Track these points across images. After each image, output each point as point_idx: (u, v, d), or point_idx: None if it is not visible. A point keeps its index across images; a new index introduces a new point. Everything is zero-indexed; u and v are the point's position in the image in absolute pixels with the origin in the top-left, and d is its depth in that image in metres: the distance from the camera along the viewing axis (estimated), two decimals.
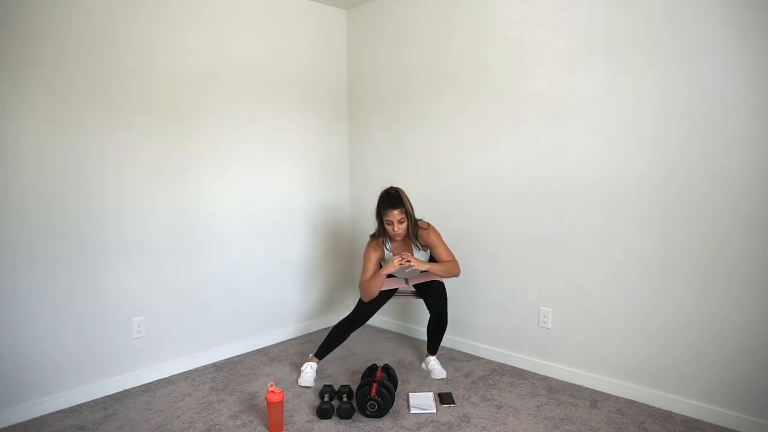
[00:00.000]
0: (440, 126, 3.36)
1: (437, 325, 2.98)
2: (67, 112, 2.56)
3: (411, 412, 2.56)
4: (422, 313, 3.58)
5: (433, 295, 2.93)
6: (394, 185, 2.90)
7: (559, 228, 2.86)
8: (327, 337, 2.98)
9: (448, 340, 3.43)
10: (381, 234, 2.88)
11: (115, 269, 2.78)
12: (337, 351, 3.32)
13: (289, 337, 3.65)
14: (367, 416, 2.49)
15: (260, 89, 3.37)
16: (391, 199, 2.77)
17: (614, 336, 2.71)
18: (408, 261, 2.73)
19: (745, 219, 2.27)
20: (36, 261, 2.51)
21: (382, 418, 2.49)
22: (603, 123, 2.65)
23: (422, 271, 2.88)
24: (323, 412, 2.49)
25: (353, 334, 3.67)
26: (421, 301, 3.30)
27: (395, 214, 2.73)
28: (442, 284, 2.96)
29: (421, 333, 3.59)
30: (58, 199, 2.56)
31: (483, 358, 3.24)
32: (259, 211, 3.43)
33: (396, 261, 2.73)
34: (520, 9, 2.90)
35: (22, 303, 2.49)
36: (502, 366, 3.12)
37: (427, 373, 3.03)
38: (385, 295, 2.96)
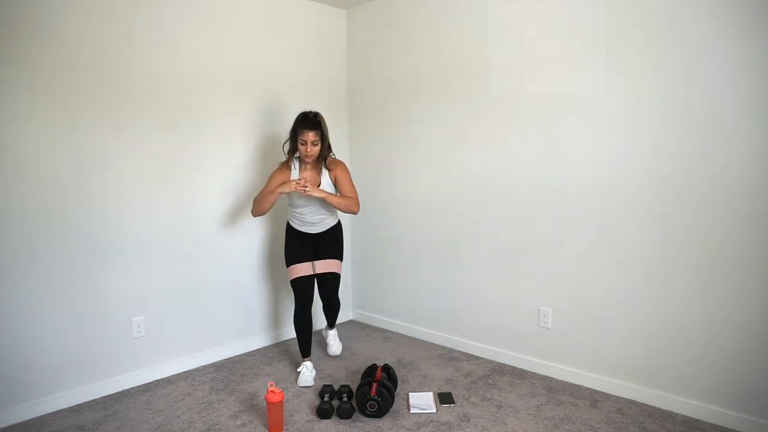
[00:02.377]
0: (440, 126, 3.36)
1: (329, 308, 3.18)
2: (67, 112, 2.56)
3: (411, 412, 2.56)
4: (422, 312, 3.59)
5: (324, 285, 3.00)
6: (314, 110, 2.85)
7: (559, 228, 2.86)
8: (296, 334, 2.99)
9: (447, 339, 3.43)
10: (292, 153, 2.85)
11: (115, 269, 2.78)
12: None
13: (289, 337, 3.65)
14: (367, 416, 2.49)
15: (260, 89, 3.36)
16: (310, 119, 2.74)
17: (614, 336, 2.71)
18: (304, 186, 2.67)
19: (745, 219, 2.27)
20: (36, 261, 2.51)
21: (382, 418, 2.49)
22: (603, 123, 2.64)
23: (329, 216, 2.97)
24: (323, 412, 2.49)
25: (353, 334, 3.67)
26: (427, 298, 3.32)
27: (310, 135, 2.71)
28: (335, 276, 3.00)
29: (422, 333, 3.59)
30: (59, 199, 2.56)
31: (483, 358, 3.24)
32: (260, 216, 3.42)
33: (293, 184, 2.69)
34: (520, 9, 2.90)
35: (22, 303, 2.49)
36: (502, 366, 3.12)
37: (326, 346, 3.24)
38: (309, 279, 2.95)
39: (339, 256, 3.04)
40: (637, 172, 2.55)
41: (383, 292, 3.85)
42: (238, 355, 3.34)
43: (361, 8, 3.76)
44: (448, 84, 3.28)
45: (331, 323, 3.27)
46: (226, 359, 3.28)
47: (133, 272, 2.85)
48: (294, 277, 2.92)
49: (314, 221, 2.93)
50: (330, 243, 3.01)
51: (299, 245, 2.96)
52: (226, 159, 3.22)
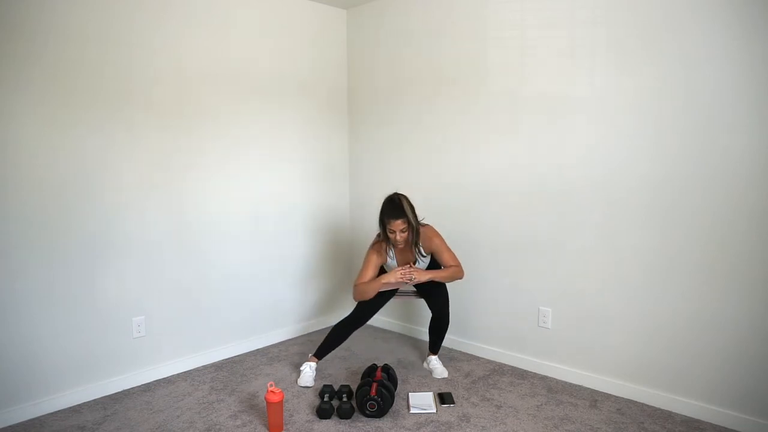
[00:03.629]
0: (440, 126, 3.36)
1: (438, 325, 2.99)
2: (67, 112, 2.56)
3: (411, 412, 2.56)
4: (422, 313, 3.58)
5: (435, 296, 2.93)
6: (399, 192, 2.88)
7: (559, 228, 2.86)
8: (327, 337, 2.97)
9: (447, 339, 3.43)
10: (385, 239, 2.86)
11: (115, 269, 2.78)
12: (337, 351, 3.32)
13: (289, 337, 3.65)
14: (367, 416, 2.49)
15: (260, 89, 3.37)
16: (394, 208, 2.75)
17: (614, 336, 2.71)
18: (411, 274, 2.73)
19: (745, 219, 2.27)
20: (36, 261, 2.51)
21: (382, 418, 2.49)
22: (603, 123, 2.65)
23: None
24: (323, 412, 2.49)
25: (353, 334, 3.67)
26: (423, 301, 3.30)
27: (397, 224, 2.72)
28: (443, 285, 2.95)
29: (421, 333, 3.59)
30: (59, 199, 2.56)
31: (483, 358, 3.24)
32: (259, 211, 3.43)
33: (398, 273, 2.75)
34: (519, 9, 2.90)
35: (22, 303, 2.49)
36: (502, 366, 3.12)
37: (429, 372, 3.04)
38: (387, 295, 2.96)
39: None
40: (637, 172, 2.55)
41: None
42: (238, 355, 3.34)
43: (361, 8, 3.76)
44: (448, 84, 3.28)
45: (437, 347, 3.06)
46: (226, 359, 3.28)
47: (133, 272, 2.85)
48: (382, 289, 2.85)
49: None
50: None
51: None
52: (226, 159, 3.22)
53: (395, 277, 2.75)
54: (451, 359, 3.22)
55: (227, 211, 3.26)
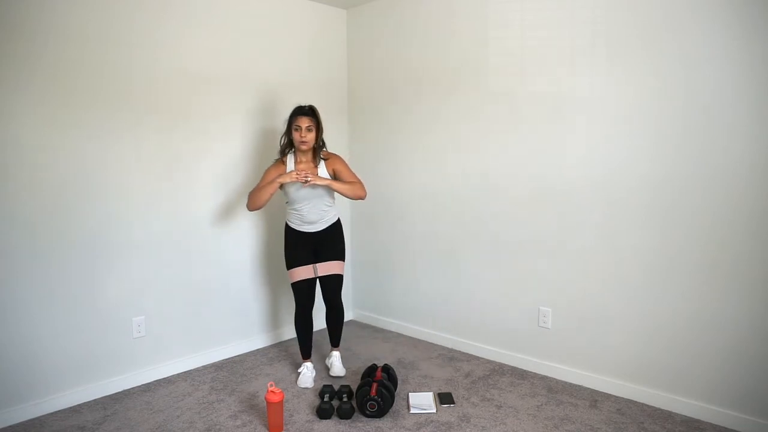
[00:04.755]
0: (440, 126, 3.36)
1: (331, 316, 2.99)
2: (68, 112, 2.56)
3: (411, 412, 2.56)
4: (422, 312, 3.58)
5: (327, 289, 2.93)
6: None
7: (559, 228, 2.86)
8: (297, 336, 2.97)
9: (448, 340, 3.43)
10: (287, 149, 2.84)
11: (115, 269, 2.78)
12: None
13: (289, 337, 3.65)
14: (367, 416, 2.49)
15: (260, 89, 3.37)
16: (303, 108, 2.78)
17: (614, 336, 2.71)
18: (307, 175, 2.66)
19: (745, 219, 2.27)
20: (36, 261, 2.51)
21: (382, 418, 2.49)
22: (603, 123, 2.64)
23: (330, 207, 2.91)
24: (323, 412, 2.49)
25: (352, 334, 3.67)
26: (422, 300, 3.31)
27: (304, 120, 2.73)
28: (338, 277, 2.93)
29: (421, 333, 3.59)
30: (59, 199, 2.56)
31: (483, 358, 3.24)
32: (259, 210, 3.42)
33: (294, 173, 2.69)
34: (520, 9, 2.90)
35: (22, 303, 2.49)
36: (502, 366, 3.12)
37: (328, 368, 3.03)
38: (309, 282, 2.91)
39: (341, 256, 2.95)
40: (637, 172, 2.55)
41: (383, 293, 3.84)
42: (238, 355, 3.34)
43: (361, 8, 3.76)
44: (448, 84, 3.28)
45: (335, 341, 3.06)
46: (226, 359, 3.28)
47: (134, 272, 2.85)
48: (295, 281, 2.89)
49: (313, 219, 2.86)
50: (331, 242, 2.93)
51: (300, 247, 2.90)
52: (226, 159, 3.22)
53: (291, 176, 2.68)
54: (451, 359, 3.22)
55: (227, 211, 3.26)
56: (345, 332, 3.71)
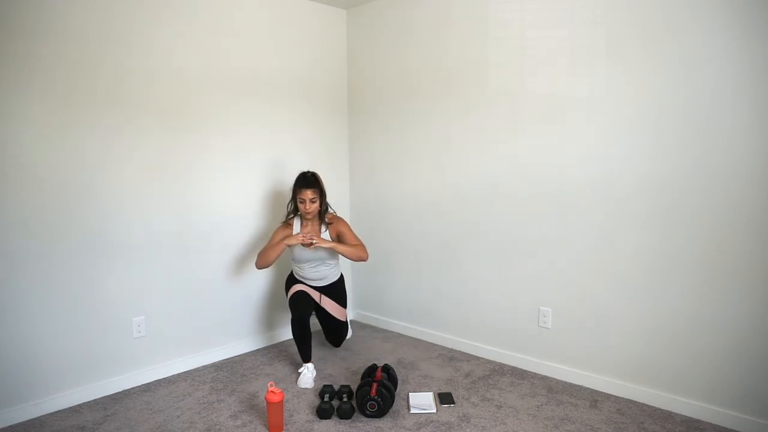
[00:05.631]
0: (440, 126, 3.36)
1: (333, 339, 3.32)
2: (67, 112, 2.56)
3: (411, 412, 2.56)
4: (422, 313, 3.58)
5: (333, 331, 3.24)
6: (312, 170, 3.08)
7: (560, 228, 2.86)
8: (296, 343, 2.96)
9: (448, 340, 3.43)
10: (293, 214, 3.08)
11: (115, 269, 2.78)
12: (337, 351, 3.33)
13: (290, 337, 3.65)
14: (367, 416, 2.49)
15: (260, 89, 3.37)
16: (306, 179, 2.97)
17: (614, 336, 2.71)
18: (311, 238, 2.87)
19: (746, 219, 2.27)
20: (36, 261, 2.51)
21: (382, 418, 2.49)
22: (603, 123, 2.64)
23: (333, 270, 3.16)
24: (323, 412, 2.49)
25: (353, 335, 3.67)
26: (422, 300, 3.32)
27: (308, 193, 2.94)
28: (342, 324, 3.19)
29: (422, 333, 3.59)
30: (58, 199, 2.56)
31: (483, 358, 3.24)
32: (259, 211, 3.43)
33: (300, 236, 2.91)
34: (519, 9, 2.90)
35: (22, 303, 2.49)
36: (502, 366, 3.12)
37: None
38: (306, 295, 3.04)
39: (343, 305, 3.21)
40: (637, 172, 2.55)
41: (383, 293, 3.84)
42: (238, 355, 3.34)
43: (361, 8, 3.76)
44: (448, 84, 3.28)
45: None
46: (226, 359, 3.28)
47: (133, 272, 2.85)
48: (294, 292, 3.02)
49: (316, 277, 3.11)
50: (333, 295, 3.16)
51: (302, 284, 3.12)
52: (226, 159, 3.22)
53: (297, 239, 2.89)
54: (451, 359, 3.22)
55: (227, 211, 3.26)
56: None
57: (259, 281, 3.47)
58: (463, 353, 3.33)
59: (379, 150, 3.76)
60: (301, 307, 2.96)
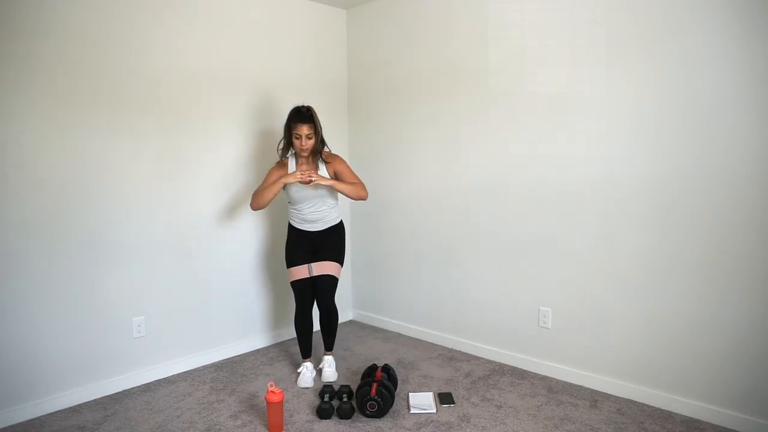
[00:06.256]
0: (440, 126, 3.36)
1: (328, 318, 2.93)
2: (68, 112, 2.56)
3: (411, 412, 2.56)
4: (422, 312, 3.58)
5: (323, 289, 2.89)
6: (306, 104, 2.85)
7: (560, 228, 2.86)
8: (297, 336, 2.97)
9: (448, 340, 3.43)
10: (286, 150, 2.85)
11: (115, 269, 2.78)
12: (337, 351, 3.33)
13: (289, 337, 3.65)
14: (367, 416, 2.49)
15: (260, 89, 3.37)
16: (303, 113, 2.75)
17: (614, 336, 2.71)
18: (310, 175, 2.67)
19: (745, 219, 2.27)
20: (36, 261, 2.51)
21: (382, 418, 2.49)
22: (603, 123, 2.64)
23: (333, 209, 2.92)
24: (323, 412, 2.49)
25: (352, 334, 3.67)
26: (422, 300, 3.31)
27: (304, 129, 2.72)
28: (330, 278, 2.90)
29: (421, 333, 3.59)
30: (59, 200, 2.56)
31: (483, 358, 3.24)
32: (260, 211, 3.42)
33: (298, 173, 2.70)
34: (520, 9, 2.90)
35: (22, 303, 2.49)
36: (502, 366, 3.12)
37: (318, 371, 2.98)
38: (306, 281, 2.90)
39: (338, 258, 2.94)
40: (637, 172, 2.55)
41: (383, 293, 3.84)
42: (238, 355, 3.34)
43: (361, 8, 3.76)
44: (448, 84, 3.28)
45: (329, 344, 3.02)
46: (226, 359, 3.28)
47: (134, 272, 2.85)
48: (292, 280, 2.91)
49: (314, 218, 2.89)
50: (330, 243, 2.93)
51: (299, 246, 2.92)
52: (226, 159, 3.22)
53: (295, 176, 2.70)
54: (451, 359, 3.22)
55: (227, 211, 3.26)
56: (345, 332, 3.72)
57: (259, 281, 3.47)
58: (463, 353, 3.33)
59: (378, 150, 3.76)
60: (302, 297, 2.90)
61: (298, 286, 2.90)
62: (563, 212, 2.84)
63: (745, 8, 2.20)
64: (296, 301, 2.93)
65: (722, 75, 2.27)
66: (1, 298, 2.42)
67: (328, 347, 3.03)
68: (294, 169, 2.85)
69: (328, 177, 2.84)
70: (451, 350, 3.38)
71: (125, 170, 2.78)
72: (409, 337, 3.64)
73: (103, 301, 2.75)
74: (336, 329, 3.02)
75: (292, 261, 2.92)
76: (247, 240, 3.38)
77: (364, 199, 2.88)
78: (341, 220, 3.03)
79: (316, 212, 2.88)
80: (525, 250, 3.02)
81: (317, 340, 3.31)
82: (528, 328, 3.05)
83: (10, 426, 2.46)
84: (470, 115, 3.19)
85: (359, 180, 2.90)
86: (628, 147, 2.57)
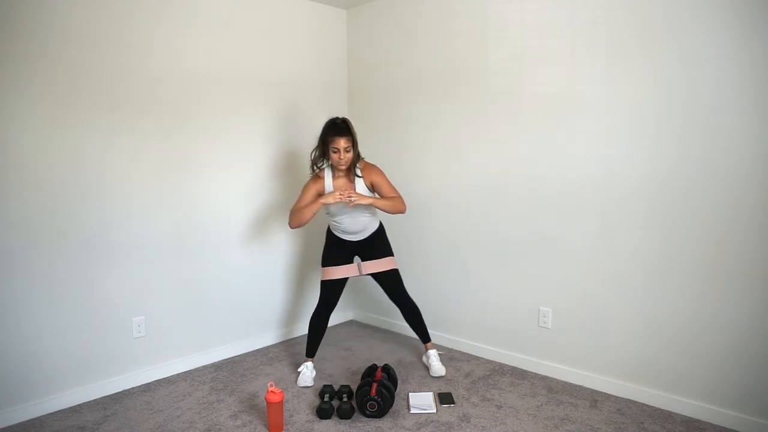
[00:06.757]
0: (440, 126, 3.36)
1: (409, 313, 2.97)
2: (67, 112, 2.56)
3: (411, 412, 2.56)
4: (422, 313, 3.58)
5: (389, 287, 2.94)
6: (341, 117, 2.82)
7: (560, 228, 2.86)
8: (308, 333, 2.98)
9: (448, 340, 3.43)
10: (320, 161, 2.80)
11: (115, 269, 2.78)
12: (337, 351, 3.33)
13: (289, 337, 3.65)
14: (367, 416, 2.49)
15: (260, 89, 3.37)
16: (338, 127, 2.69)
17: (614, 336, 2.71)
18: (349, 196, 2.63)
19: (745, 219, 2.27)
20: (36, 261, 2.51)
21: (382, 418, 2.49)
22: (603, 123, 2.64)
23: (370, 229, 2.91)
24: (323, 412, 2.49)
25: (352, 334, 3.67)
26: (422, 300, 3.30)
27: (342, 142, 2.66)
28: (395, 272, 2.94)
29: None
30: (59, 200, 2.56)
31: (483, 358, 3.24)
32: (259, 211, 3.43)
33: (337, 194, 2.65)
34: (520, 9, 2.90)
35: (22, 303, 2.49)
36: (502, 366, 3.12)
37: (427, 368, 3.02)
38: (342, 280, 2.93)
39: (389, 253, 2.96)
40: (637, 172, 2.55)
41: (383, 293, 3.83)
42: (238, 355, 3.34)
43: (361, 8, 3.76)
44: (448, 84, 3.28)
45: (425, 335, 3.03)
46: (226, 359, 3.28)
47: (134, 272, 2.85)
48: (326, 278, 2.89)
49: (356, 230, 2.87)
50: (377, 246, 2.94)
51: (339, 248, 2.92)
52: (226, 159, 3.22)
53: (334, 197, 2.65)
54: (451, 359, 3.22)
55: (227, 211, 3.26)
56: (345, 332, 3.73)
57: (259, 281, 3.47)
58: (463, 353, 3.33)
59: (378, 150, 3.75)
60: (330, 296, 2.91)
61: (328, 284, 2.90)
62: (563, 212, 2.84)
63: (745, 8, 2.20)
64: (320, 299, 2.94)
65: (722, 75, 2.27)
66: (1, 298, 2.43)
67: (425, 339, 3.05)
68: (330, 184, 2.81)
69: (367, 194, 2.80)
70: (451, 350, 3.38)
71: (125, 170, 2.78)
72: (410, 337, 3.64)
73: (103, 301, 2.75)
74: (422, 320, 3.01)
75: (328, 261, 2.92)
76: (248, 240, 3.38)
77: (402, 213, 2.85)
78: (380, 223, 3.01)
79: (357, 224, 2.86)
80: (525, 250, 3.02)
81: (325, 344, 3.31)
82: (528, 328, 3.05)
83: (10, 426, 2.46)
84: (470, 115, 3.19)
85: (397, 193, 2.85)
86: (628, 147, 2.57)
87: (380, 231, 3.00)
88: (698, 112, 2.35)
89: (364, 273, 2.92)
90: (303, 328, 3.75)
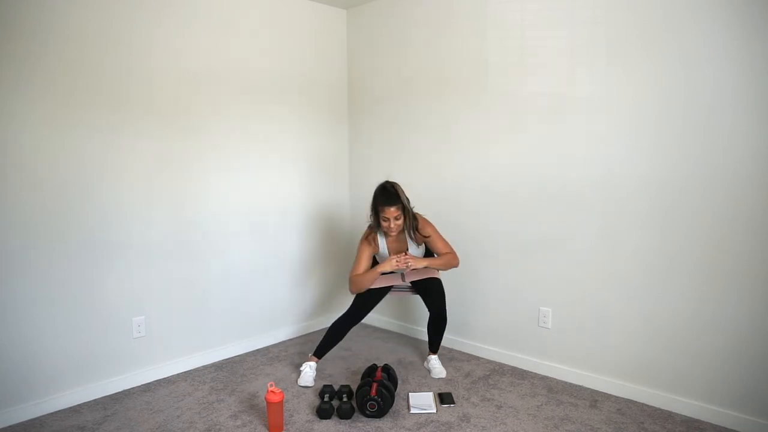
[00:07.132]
0: (440, 126, 3.36)
1: (437, 324, 2.98)
2: (67, 112, 2.56)
3: (411, 412, 2.56)
4: (422, 312, 3.58)
5: (431, 293, 2.94)
6: (390, 180, 2.88)
7: (560, 228, 2.86)
8: (325, 335, 2.98)
9: (448, 340, 3.43)
10: (376, 227, 2.86)
11: (115, 269, 2.78)
12: (337, 351, 3.32)
13: (289, 337, 3.65)
14: (367, 416, 2.49)
15: (260, 89, 3.37)
16: (388, 195, 2.74)
17: (614, 336, 2.71)
18: (406, 262, 2.74)
19: (745, 219, 2.27)
20: (36, 261, 2.51)
21: (382, 418, 2.49)
22: (603, 123, 2.65)
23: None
24: (323, 412, 2.49)
25: (353, 334, 3.67)
26: (419, 298, 3.30)
27: (392, 211, 2.71)
28: (439, 282, 2.97)
29: (421, 333, 3.58)
30: (59, 199, 2.56)
31: (483, 358, 3.24)
32: (259, 210, 3.43)
33: (393, 261, 2.75)
34: (520, 9, 2.90)
35: (22, 303, 2.49)
36: (502, 366, 3.12)
37: (428, 371, 3.03)
38: (383, 291, 2.97)
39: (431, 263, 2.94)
40: (637, 172, 2.55)
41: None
42: (238, 355, 3.34)
43: (361, 8, 3.76)
44: (448, 84, 3.28)
45: (436, 346, 3.05)
46: (226, 359, 3.28)
47: (134, 272, 2.85)
48: (363, 290, 2.89)
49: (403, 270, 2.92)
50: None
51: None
52: (226, 159, 3.22)
53: (391, 265, 2.75)
54: (451, 359, 3.22)
55: (227, 211, 3.25)
56: None
57: (259, 281, 3.47)
58: (463, 353, 3.33)
59: (378, 150, 3.76)
60: (362, 306, 2.92)
61: (364, 295, 2.91)
62: (563, 212, 2.84)
63: (745, 8, 2.20)
64: (351, 307, 2.95)
65: (722, 75, 2.27)
66: (1, 298, 2.42)
67: (434, 349, 3.06)
68: (385, 246, 2.89)
69: (412, 252, 2.88)
70: (451, 350, 3.38)
71: (125, 170, 2.78)
72: (409, 337, 3.64)
73: (103, 301, 2.75)
74: (443, 333, 3.03)
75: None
76: (248, 239, 3.38)
77: (455, 268, 2.92)
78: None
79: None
80: (525, 250, 3.02)
81: (338, 349, 3.32)
82: (528, 328, 3.05)
83: (10, 426, 2.46)
84: (470, 114, 3.19)
85: (450, 248, 2.91)
86: (628, 147, 2.57)
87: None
88: (698, 112, 2.35)
89: (407, 281, 2.95)
90: (303, 329, 3.76)
